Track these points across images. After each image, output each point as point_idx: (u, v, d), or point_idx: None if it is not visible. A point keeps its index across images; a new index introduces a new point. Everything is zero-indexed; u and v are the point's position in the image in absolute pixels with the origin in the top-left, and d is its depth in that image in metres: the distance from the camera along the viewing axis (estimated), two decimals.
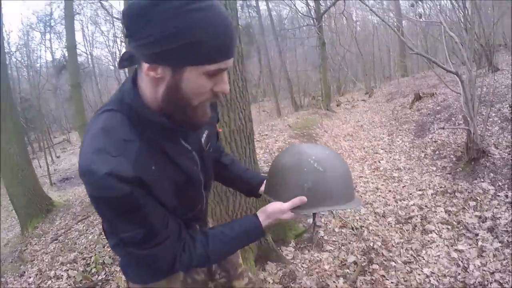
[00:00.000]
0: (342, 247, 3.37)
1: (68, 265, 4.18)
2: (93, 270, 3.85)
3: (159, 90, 0.86)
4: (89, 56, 25.01)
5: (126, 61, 0.91)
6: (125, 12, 0.80)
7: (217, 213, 2.93)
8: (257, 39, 20.62)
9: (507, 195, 3.48)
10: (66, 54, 10.43)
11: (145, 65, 0.82)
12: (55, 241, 5.25)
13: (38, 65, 21.53)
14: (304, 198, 1.06)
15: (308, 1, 16.22)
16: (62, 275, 4.00)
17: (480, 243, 3.01)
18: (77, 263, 4.17)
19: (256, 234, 1.11)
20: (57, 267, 4.26)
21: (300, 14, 18.20)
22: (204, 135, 1.12)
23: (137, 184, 0.83)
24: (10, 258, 5.40)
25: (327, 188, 1.07)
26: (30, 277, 4.37)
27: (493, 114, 5.29)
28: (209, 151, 1.16)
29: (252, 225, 1.10)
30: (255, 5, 20.80)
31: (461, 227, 3.30)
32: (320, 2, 15.43)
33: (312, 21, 15.20)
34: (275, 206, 1.09)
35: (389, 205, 4.13)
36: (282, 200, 1.10)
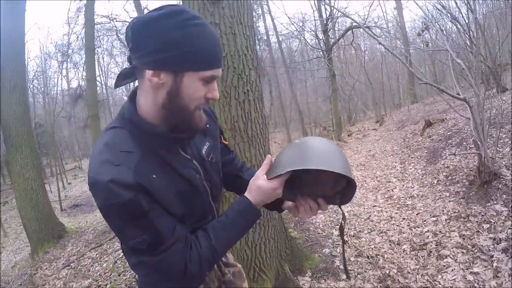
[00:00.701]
0: (358, 275, 3.39)
1: None
2: None
3: (159, 96, 0.97)
4: (104, 87, 25.73)
5: (123, 79, 1.05)
6: (130, 26, 0.94)
7: (237, 245, 3.00)
8: (268, 72, 21.01)
9: None
10: (83, 84, 10.78)
11: (148, 73, 0.93)
12: (67, 267, 5.30)
13: (54, 92, 22.20)
14: (269, 157, 1.17)
15: (317, 33, 16.64)
16: None
17: (495, 264, 3.01)
18: None
19: (251, 213, 1.12)
20: None
21: (310, 47, 18.64)
22: (205, 147, 1.21)
23: (139, 189, 0.91)
24: (19, 280, 5.45)
25: (302, 152, 1.11)
26: None
27: (503, 136, 5.31)
28: (212, 162, 1.22)
29: (242, 205, 1.12)
30: (265, 38, 21.36)
31: (476, 250, 3.30)
32: (329, 34, 15.82)
33: (321, 53, 15.54)
34: (251, 179, 1.15)
35: (403, 233, 4.14)
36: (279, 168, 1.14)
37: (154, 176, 0.96)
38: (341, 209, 1.30)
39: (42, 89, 21.45)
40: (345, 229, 4.37)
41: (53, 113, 16.98)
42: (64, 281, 4.81)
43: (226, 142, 1.40)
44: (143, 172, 0.94)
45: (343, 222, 1.35)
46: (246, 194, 1.14)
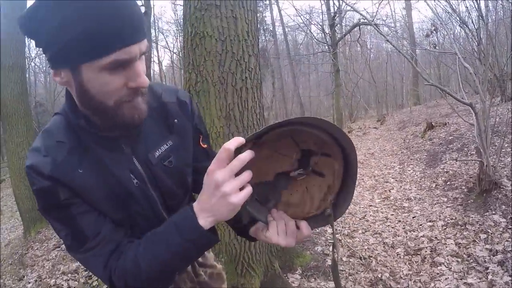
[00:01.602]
0: (350, 277, 3.33)
1: (70, 275, 4.18)
2: (95, 283, 3.84)
3: (75, 96, 0.83)
4: None
5: None
6: (20, 23, 0.74)
7: (225, 238, 2.93)
8: (272, 63, 20.91)
9: None
10: None
11: (51, 73, 0.80)
12: (57, 249, 5.25)
13: None
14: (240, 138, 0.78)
15: (324, 27, 16.49)
16: (63, 285, 4.00)
17: (490, 276, 2.93)
18: (78, 274, 4.17)
19: (188, 225, 0.80)
20: (58, 275, 4.27)
21: (316, 40, 18.49)
22: (164, 147, 0.99)
23: (57, 182, 0.83)
24: (10, 260, 5.42)
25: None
26: (29, 283, 4.38)
27: (506, 145, 5.23)
28: (169, 167, 1.00)
29: (180, 216, 0.83)
30: (271, 29, 21.20)
31: (472, 260, 3.23)
32: (336, 29, 15.67)
33: (327, 48, 15.41)
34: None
35: (398, 236, 4.07)
36: None
37: (80, 171, 0.86)
38: (333, 233, 0.91)
39: (44, 68, 21.27)
40: (339, 228, 4.33)
41: (53, 93, 16.89)
42: (53, 263, 4.76)
43: (205, 146, 1.14)
44: (68, 166, 0.85)
45: (335, 253, 0.99)
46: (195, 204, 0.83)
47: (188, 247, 0.81)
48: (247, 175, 0.76)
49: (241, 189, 0.76)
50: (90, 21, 0.68)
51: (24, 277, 4.63)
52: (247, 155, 0.75)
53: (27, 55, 16.95)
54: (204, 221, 0.79)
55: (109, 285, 0.89)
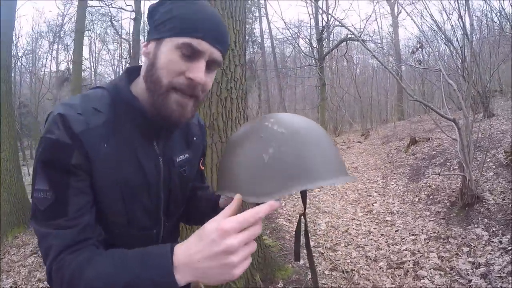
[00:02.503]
0: None
1: (45, 282, 4.01)
2: None
3: (145, 68, 0.88)
4: (93, 73, 25.23)
5: None
6: (152, 7, 0.89)
7: None
8: (259, 75, 20.99)
9: (501, 241, 3.41)
10: (71, 67, 10.56)
11: (143, 44, 0.90)
12: (34, 255, 5.09)
13: (41, 73, 21.71)
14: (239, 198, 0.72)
15: (312, 41, 16.65)
16: None
17: None
18: None
19: (161, 276, 0.67)
20: (34, 282, 4.13)
21: (303, 54, 18.66)
22: (182, 157, 1.04)
23: (78, 145, 0.79)
24: None
25: (296, 154, 0.70)
26: None
27: (488, 160, 5.28)
28: (183, 175, 1.04)
29: (159, 257, 0.69)
30: (260, 41, 21.33)
31: (454, 273, 3.21)
32: (323, 44, 15.85)
33: (314, 62, 15.55)
34: (207, 226, 0.68)
35: (381, 249, 4.04)
36: (236, 191, 0.73)
37: (106, 146, 0.84)
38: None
39: (30, 68, 20.93)
40: (321, 241, 4.28)
41: (38, 94, 16.62)
42: (29, 269, 4.62)
43: (203, 168, 1.22)
44: (97, 134, 0.83)
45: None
46: (179, 246, 0.70)
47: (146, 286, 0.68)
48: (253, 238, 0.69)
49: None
50: (191, 10, 0.83)
51: None
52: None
53: (14, 53, 16.66)
54: (182, 278, 0.67)
55: (47, 276, 0.79)
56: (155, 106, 0.86)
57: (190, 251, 0.67)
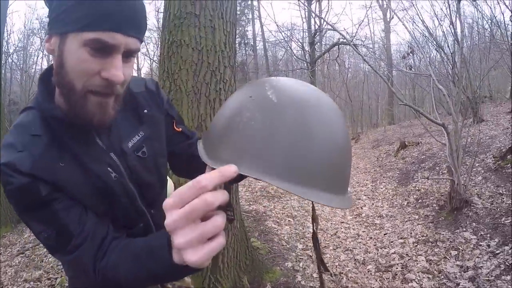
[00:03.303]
0: None
1: (32, 283, 3.98)
2: None
3: (54, 66, 0.78)
4: None
5: None
6: None
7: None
8: (251, 77, 20.97)
9: (489, 245, 3.42)
10: None
11: (45, 38, 0.78)
12: (21, 255, 5.02)
13: (32, 70, 21.24)
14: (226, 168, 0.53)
15: (304, 45, 16.68)
16: None
17: None
18: (41, 282, 3.97)
19: (160, 256, 0.66)
20: (20, 283, 4.06)
21: (295, 57, 18.67)
22: (136, 138, 0.94)
23: (38, 178, 0.76)
24: None
25: (270, 134, 0.54)
26: None
27: (477, 164, 5.31)
28: (143, 157, 0.95)
29: (158, 241, 0.68)
30: (252, 43, 21.35)
31: (442, 277, 3.21)
32: (315, 47, 15.88)
33: (306, 65, 15.56)
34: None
35: (369, 252, 4.03)
36: (220, 162, 0.57)
37: (62, 164, 0.80)
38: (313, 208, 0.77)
39: (21, 65, 20.60)
40: (310, 244, 4.24)
41: (28, 92, 16.41)
42: (15, 270, 4.54)
43: (179, 129, 1.10)
44: (48, 160, 0.79)
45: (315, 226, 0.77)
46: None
47: (165, 273, 0.70)
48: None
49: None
50: None
51: None
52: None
53: (5, 49, 16.41)
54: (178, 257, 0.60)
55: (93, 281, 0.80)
56: (74, 112, 0.78)
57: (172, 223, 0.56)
